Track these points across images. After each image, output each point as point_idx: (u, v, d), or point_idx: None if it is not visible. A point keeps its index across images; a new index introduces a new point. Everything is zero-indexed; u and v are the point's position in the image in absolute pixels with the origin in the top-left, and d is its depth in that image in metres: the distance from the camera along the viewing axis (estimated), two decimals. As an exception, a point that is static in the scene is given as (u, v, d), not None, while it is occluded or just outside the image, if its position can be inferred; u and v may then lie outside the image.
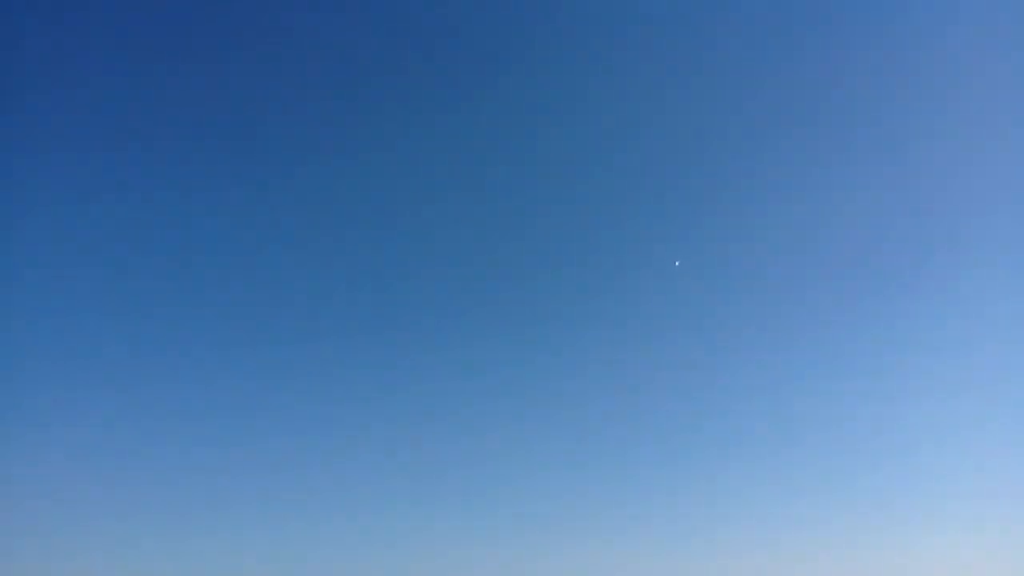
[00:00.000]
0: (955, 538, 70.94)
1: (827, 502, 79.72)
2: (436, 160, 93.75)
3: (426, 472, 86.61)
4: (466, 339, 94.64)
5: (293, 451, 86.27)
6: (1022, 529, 67.14)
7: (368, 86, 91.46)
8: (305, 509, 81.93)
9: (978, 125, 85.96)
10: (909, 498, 76.79)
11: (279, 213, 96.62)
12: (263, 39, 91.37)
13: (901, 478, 79.46)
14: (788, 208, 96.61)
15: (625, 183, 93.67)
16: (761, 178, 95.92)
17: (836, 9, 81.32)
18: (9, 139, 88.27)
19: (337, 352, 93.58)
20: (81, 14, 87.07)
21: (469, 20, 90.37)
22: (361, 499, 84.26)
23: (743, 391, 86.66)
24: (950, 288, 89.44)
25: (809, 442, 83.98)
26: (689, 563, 73.89)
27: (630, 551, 76.64)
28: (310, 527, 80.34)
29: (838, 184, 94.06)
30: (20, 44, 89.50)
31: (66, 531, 73.67)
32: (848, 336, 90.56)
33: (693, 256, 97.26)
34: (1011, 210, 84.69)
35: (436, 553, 78.18)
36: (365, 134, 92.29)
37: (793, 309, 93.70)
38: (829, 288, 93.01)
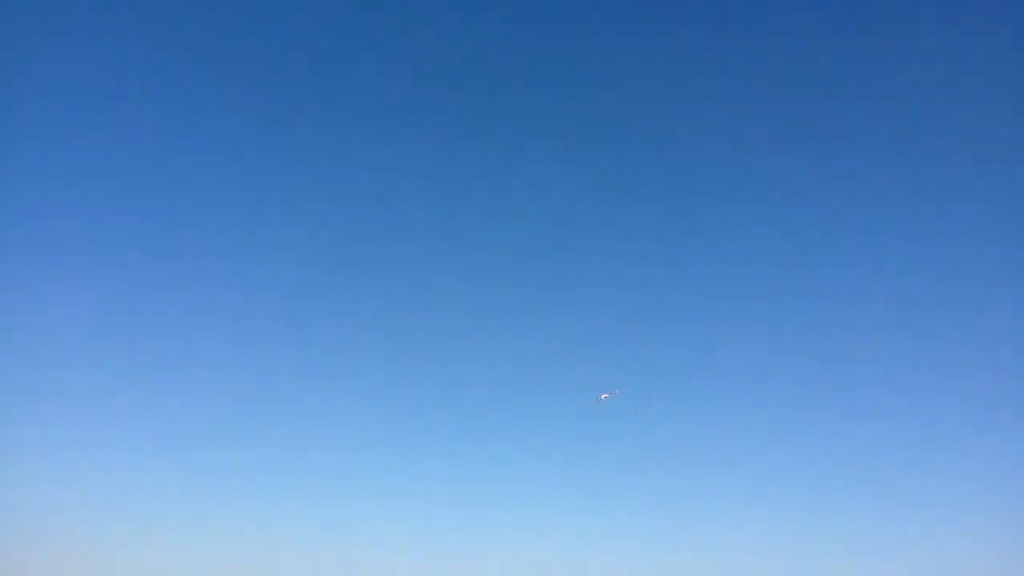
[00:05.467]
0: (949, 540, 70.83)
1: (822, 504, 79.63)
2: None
3: (426, 471, 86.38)
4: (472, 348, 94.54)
5: (293, 450, 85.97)
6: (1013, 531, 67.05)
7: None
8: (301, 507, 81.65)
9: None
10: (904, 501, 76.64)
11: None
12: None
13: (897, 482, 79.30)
14: (785, 208, 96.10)
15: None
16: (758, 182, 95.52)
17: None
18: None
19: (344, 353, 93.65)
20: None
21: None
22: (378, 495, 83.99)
23: (745, 395, 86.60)
24: (948, 292, 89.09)
25: (805, 445, 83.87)
26: (688, 562, 73.88)
27: (631, 550, 76.56)
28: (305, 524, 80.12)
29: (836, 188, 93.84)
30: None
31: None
32: (847, 336, 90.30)
33: (690, 257, 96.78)
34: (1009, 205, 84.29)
35: (437, 550, 78.06)
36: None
37: (793, 310, 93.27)
38: (828, 287, 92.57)
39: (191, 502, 77.79)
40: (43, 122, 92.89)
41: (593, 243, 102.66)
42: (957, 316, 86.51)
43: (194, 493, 78.85)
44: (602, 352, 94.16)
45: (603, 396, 66.32)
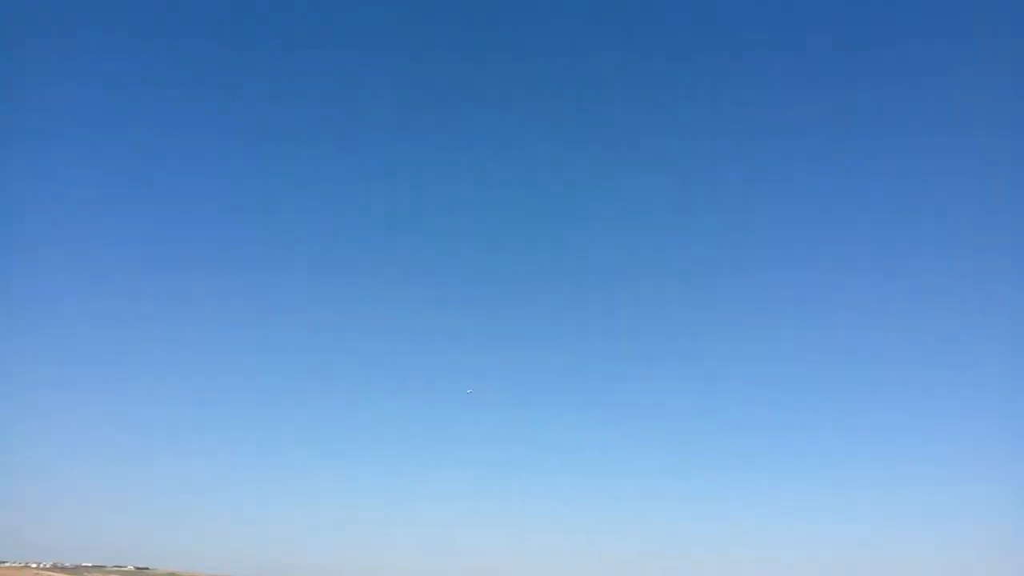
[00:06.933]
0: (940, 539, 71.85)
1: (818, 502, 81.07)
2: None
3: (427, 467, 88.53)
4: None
5: (295, 446, 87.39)
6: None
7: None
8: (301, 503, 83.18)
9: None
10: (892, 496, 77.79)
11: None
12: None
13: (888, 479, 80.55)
14: (783, 209, 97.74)
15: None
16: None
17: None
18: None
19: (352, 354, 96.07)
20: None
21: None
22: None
23: (741, 395, 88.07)
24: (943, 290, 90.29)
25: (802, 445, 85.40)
26: (685, 561, 75.17)
27: (627, 549, 77.88)
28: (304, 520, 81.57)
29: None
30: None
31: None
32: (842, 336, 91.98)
33: (689, 256, 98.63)
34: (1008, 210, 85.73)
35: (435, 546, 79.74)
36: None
37: (790, 311, 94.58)
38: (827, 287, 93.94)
39: (195, 496, 78.66)
40: (43, 118, 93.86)
41: (595, 243, 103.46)
42: (957, 316, 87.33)
43: (201, 493, 79.53)
44: (601, 357, 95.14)
45: (469, 391, 77.82)
